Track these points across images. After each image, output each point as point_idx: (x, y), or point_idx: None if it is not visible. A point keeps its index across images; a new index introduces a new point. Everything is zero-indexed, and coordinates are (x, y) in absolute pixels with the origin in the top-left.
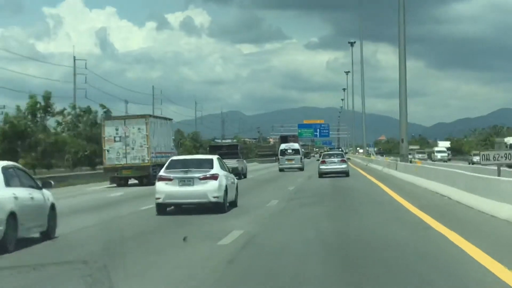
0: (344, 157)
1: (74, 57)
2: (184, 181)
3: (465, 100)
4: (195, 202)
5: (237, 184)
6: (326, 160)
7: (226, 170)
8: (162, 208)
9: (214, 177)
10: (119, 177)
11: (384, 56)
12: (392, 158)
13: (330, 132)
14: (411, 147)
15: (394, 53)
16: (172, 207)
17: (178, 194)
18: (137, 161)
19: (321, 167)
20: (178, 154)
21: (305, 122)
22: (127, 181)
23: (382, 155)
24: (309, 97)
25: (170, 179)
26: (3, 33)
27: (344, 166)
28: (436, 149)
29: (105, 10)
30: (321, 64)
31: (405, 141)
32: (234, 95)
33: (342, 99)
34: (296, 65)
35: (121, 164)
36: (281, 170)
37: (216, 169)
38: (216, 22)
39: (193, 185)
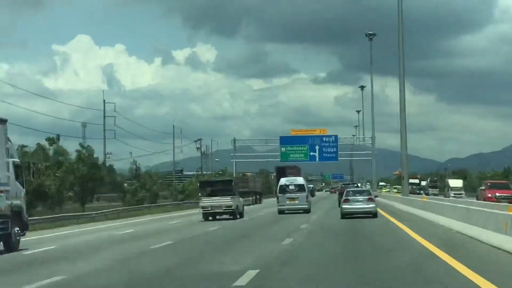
0: (371, 195)
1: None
2: None
3: (478, 135)
4: None
5: None
6: (349, 198)
7: None
8: None
9: None
10: None
11: (393, 90)
12: None
13: (340, 152)
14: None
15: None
16: None
17: None
18: None
19: (344, 206)
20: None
21: (292, 132)
22: None
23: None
24: None
25: None
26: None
27: (371, 205)
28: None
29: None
30: (330, 99)
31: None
32: (244, 130)
33: (354, 135)
34: (304, 100)
35: None
36: (281, 212)
37: None
38: (222, 56)
39: None
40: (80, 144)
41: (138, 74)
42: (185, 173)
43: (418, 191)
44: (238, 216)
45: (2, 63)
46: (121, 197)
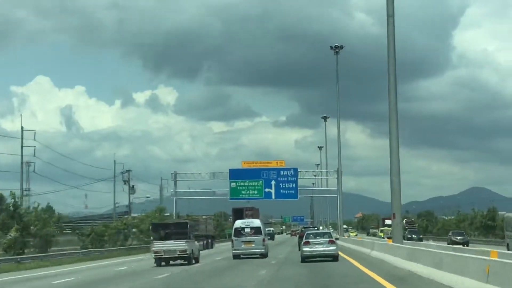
0: (332, 237)
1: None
2: None
3: (437, 178)
4: None
5: None
6: (310, 240)
7: None
8: None
9: None
10: None
11: (353, 134)
12: None
13: (300, 189)
14: None
15: (363, 132)
16: None
17: None
18: None
19: (304, 249)
20: None
21: (244, 165)
22: None
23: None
24: None
25: None
26: None
27: (332, 248)
28: None
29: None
30: (290, 142)
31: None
32: (204, 173)
33: (315, 175)
34: (265, 142)
35: None
36: (235, 256)
37: None
38: (183, 99)
39: None
40: None
41: (98, 116)
42: (134, 214)
43: (410, 236)
44: (193, 262)
45: None
46: None
